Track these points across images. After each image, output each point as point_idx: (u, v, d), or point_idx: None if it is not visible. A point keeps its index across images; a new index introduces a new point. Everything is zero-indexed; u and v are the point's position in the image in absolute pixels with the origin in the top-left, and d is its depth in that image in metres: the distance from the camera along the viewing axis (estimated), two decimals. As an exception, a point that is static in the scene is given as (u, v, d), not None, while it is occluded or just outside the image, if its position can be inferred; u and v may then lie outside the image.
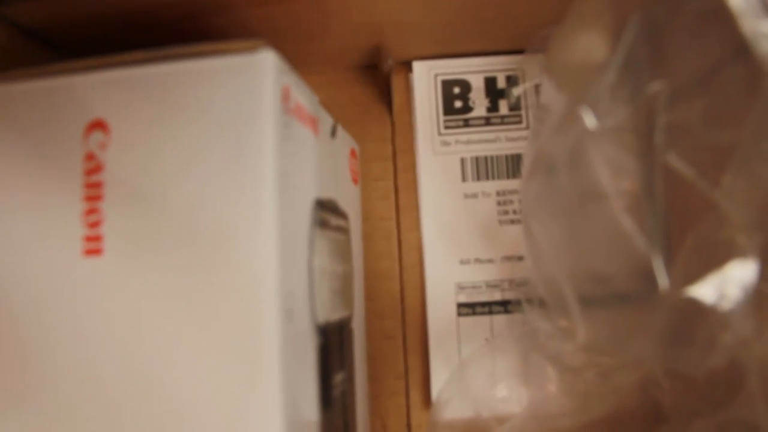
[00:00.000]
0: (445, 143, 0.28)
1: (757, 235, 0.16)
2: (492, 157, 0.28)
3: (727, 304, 0.16)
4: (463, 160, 0.28)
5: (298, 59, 0.27)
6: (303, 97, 0.18)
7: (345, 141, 0.24)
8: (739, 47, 0.15)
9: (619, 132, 0.17)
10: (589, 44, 0.20)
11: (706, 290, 0.16)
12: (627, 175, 0.17)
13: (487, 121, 0.28)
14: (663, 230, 0.17)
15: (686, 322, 0.17)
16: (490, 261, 0.27)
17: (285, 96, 0.17)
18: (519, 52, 0.28)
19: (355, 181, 0.26)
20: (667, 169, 0.17)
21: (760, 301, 0.16)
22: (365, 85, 0.29)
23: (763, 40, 0.14)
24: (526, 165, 0.22)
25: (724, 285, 0.16)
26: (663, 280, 0.16)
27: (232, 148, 0.16)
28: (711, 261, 0.16)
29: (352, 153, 0.26)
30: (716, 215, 0.16)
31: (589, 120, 0.17)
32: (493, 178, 0.28)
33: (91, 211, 0.16)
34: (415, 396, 0.27)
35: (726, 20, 0.15)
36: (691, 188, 0.17)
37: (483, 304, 0.27)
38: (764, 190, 0.16)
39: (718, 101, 0.17)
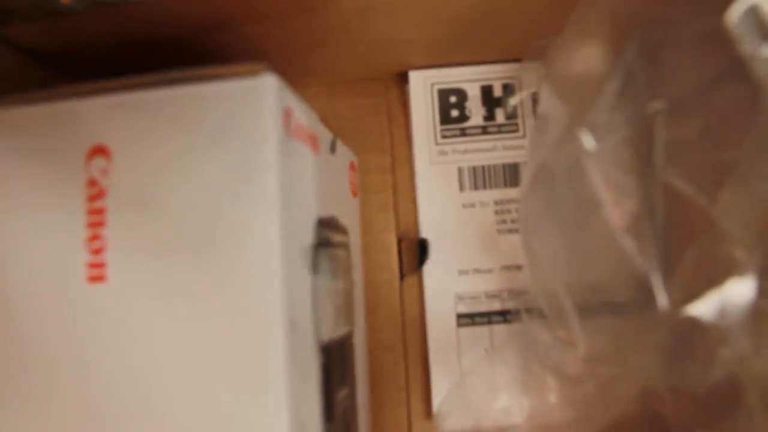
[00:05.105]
0: (442, 153, 0.28)
1: (755, 251, 0.16)
2: (489, 167, 0.28)
3: (725, 321, 0.16)
4: (460, 170, 0.28)
5: (296, 72, 0.27)
6: (303, 116, 0.18)
7: (344, 155, 0.25)
8: (738, 66, 0.15)
9: (619, 150, 0.17)
10: (587, 54, 0.20)
11: (705, 307, 0.16)
12: (626, 194, 0.18)
13: (484, 130, 0.28)
14: (662, 247, 0.17)
15: (686, 337, 0.17)
16: (489, 271, 0.27)
17: (286, 118, 0.17)
18: (515, 60, 0.28)
19: (354, 194, 0.26)
20: (667, 186, 0.17)
21: (759, 318, 0.16)
22: (363, 97, 0.29)
23: (762, 64, 0.14)
24: (525, 177, 0.22)
25: (723, 302, 0.16)
26: (662, 300, 0.17)
27: (236, 172, 0.16)
28: (710, 277, 0.16)
29: (351, 166, 0.26)
30: (715, 232, 0.16)
31: (588, 141, 0.17)
32: (491, 187, 0.28)
33: (94, 238, 0.16)
34: (417, 407, 0.27)
35: (724, 40, 0.15)
36: (691, 205, 0.17)
37: (482, 315, 0.27)
38: (763, 207, 0.16)
39: (717, 120, 0.17)
